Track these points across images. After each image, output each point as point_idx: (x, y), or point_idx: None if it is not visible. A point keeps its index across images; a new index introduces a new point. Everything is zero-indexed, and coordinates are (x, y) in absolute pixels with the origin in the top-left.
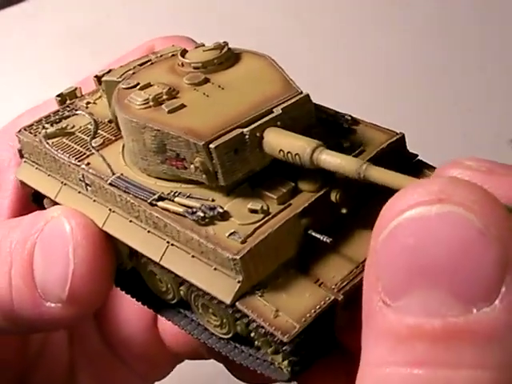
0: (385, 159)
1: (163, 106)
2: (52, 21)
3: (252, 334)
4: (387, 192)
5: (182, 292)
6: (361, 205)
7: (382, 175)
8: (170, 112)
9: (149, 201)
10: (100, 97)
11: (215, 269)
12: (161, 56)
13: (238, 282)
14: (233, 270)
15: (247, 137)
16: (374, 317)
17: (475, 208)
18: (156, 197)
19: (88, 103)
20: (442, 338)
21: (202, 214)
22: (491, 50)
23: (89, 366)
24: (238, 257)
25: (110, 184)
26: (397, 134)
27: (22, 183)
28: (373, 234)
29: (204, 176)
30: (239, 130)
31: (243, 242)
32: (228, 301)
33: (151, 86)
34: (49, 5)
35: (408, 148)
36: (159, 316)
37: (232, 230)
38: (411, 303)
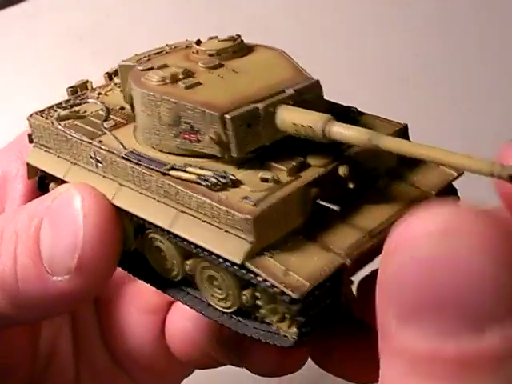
0: None
1: (180, 82)
2: (52, 21)
3: (258, 302)
4: (392, 174)
5: (187, 266)
6: (368, 183)
7: (393, 143)
8: (186, 88)
9: (161, 170)
10: (111, 89)
11: (226, 231)
12: (175, 47)
13: (250, 242)
14: (244, 231)
15: (261, 111)
16: (387, 337)
17: (481, 243)
18: (168, 167)
19: (99, 94)
20: (455, 363)
21: (214, 180)
22: (491, 49)
23: (94, 379)
24: (251, 216)
25: (123, 157)
26: (401, 124)
27: (29, 167)
28: (381, 259)
29: (217, 148)
30: (254, 105)
31: (255, 204)
32: (239, 260)
33: (168, 67)
34: (49, 5)
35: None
36: (166, 320)
37: (244, 195)
38: (424, 327)
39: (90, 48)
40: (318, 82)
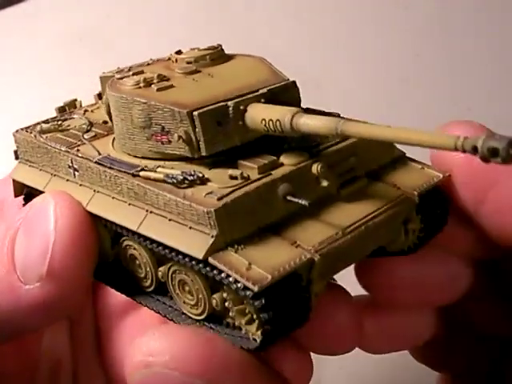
0: (371, 148)
1: (152, 85)
2: (52, 21)
3: (227, 304)
4: (373, 176)
5: (160, 273)
6: (346, 183)
7: (357, 128)
8: (158, 90)
9: (131, 171)
10: (98, 107)
11: (191, 228)
12: (157, 60)
13: (212, 236)
14: (207, 225)
15: (231, 109)
16: None
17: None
18: (139, 168)
19: (86, 111)
20: None
21: (181, 178)
22: (491, 49)
23: None
24: (212, 209)
25: (96, 162)
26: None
27: (15, 183)
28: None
29: (186, 147)
30: (224, 103)
31: (219, 199)
32: (200, 256)
33: (143, 73)
34: (49, 5)
35: (403, 149)
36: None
37: (210, 191)
38: None
39: (90, 48)
40: (293, 82)
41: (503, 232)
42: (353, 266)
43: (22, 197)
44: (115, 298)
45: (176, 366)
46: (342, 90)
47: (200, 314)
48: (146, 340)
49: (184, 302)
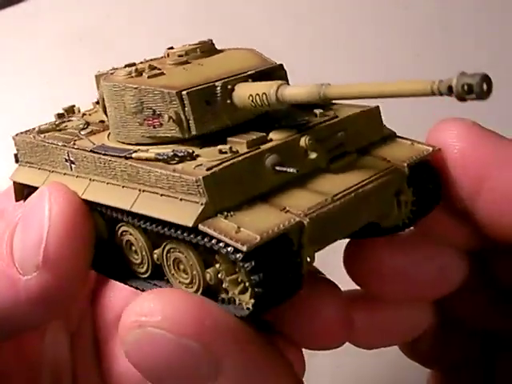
0: (359, 125)
1: (143, 73)
2: (52, 21)
3: (220, 276)
4: (363, 151)
5: (155, 255)
6: (335, 157)
7: (340, 90)
8: (149, 77)
9: (123, 154)
10: (96, 111)
11: (181, 199)
12: (152, 59)
13: (202, 204)
14: (197, 194)
15: (219, 88)
16: None
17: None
18: (132, 151)
19: (84, 114)
20: None
21: (171, 154)
22: (492, 48)
23: None
24: (200, 177)
25: (91, 151)
26: (371, 106)
27: (16, 187)
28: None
29: (177, 127)
30: (212, 83)
31: (208, 169)
32: (190, 223)
33: (135, 64)
34: (49, 5)
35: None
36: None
37: (199, 163)
38: None
39: (90, 48)
40: (280, 65)
41: (499, 224)
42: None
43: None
44: (113, 309)
45: (169, 327)
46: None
47: (195, 292)
48: (140, 301)
49: (179, 282)
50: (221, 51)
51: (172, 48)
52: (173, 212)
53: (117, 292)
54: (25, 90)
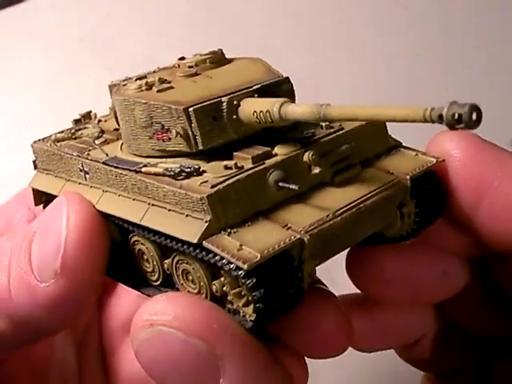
0: (364, 138)
1: (153, 87)
2: (52, 21)
3: (225, 289)
4: (367, 163)
5: (165, 265)
6: (339, 170)
7: (337, 110)
8: (158, 91)
9: (134, 168)
10: (111, 118)
11: (187, 215)
12: (164, 68)
13: (206, 221)
14: (202, 211)
15: (225, 104)
16: None
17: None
18: (141, 165)
19: (99, 121)
20: None
21: (178, 170)
22: (492, 48)
23: None
24: (205, 195)
25: (104, 163)
26: None
27: (35, 193)
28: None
29: (185, 142)
30: (218, 99)
31: (213, 186)
32: (195, 240)
33: (146, 77)
34: (49, 5)
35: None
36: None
37: (205, 180)
38: None
39: (90, 48)
40: (286, 78)
41: (498, 234)
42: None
43: (42, 206)
44: (119, 316)
45: (179, 326)
46: (341, 88)
47: None
48: (153, 302)
49: (188, 291)
50: (230, 60)
51: (183, 58)
52: (179, 228)
53: (122, 299)
54: (25, 90)
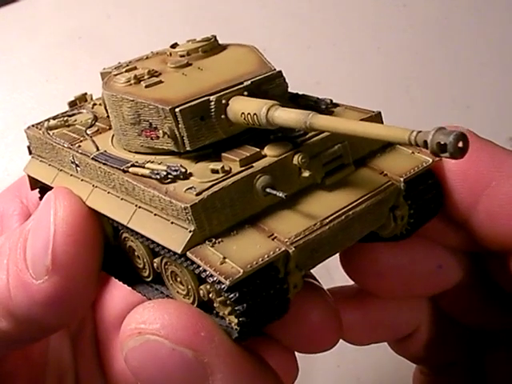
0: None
1: (142, 82)
2: (51, 19)
3: (211, 296)
4: (361, 162)
5: (155, 264)
6: (331, 172)
7: (323, 122)
8: (146, 87)
9: (122, 167)
10: None
11: (172, 222)
12: (157, 53)
13: (190, 231)
14: (186, 220)
15: (213, 103)
16: None
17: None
18: (129, 164)
19: (94, 105)
20: None
21: (164, 173)
22: (491, 47)
23: None
24: (188, 205)
25: (93, 158)
26: (373, 112)
27: (30, 178)
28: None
29: (172, 142)
30: (206, 98)
31: (198, 194)
32: (179, 250)
33: (136, 69)
34: (48, 3)
35: None
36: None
37: (190, 186)
38: None
39: (90, 47)
40: (279, 72)
41: (494, 233)
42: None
43: (37, 191)
44: (113, 310)
45: (166, 334)
46: (341, 87)
47: (191, 303)
48: (141, 310)
49: (177, 292)
50: (223, 48)
51: (176, 45)
52: (164, 235)
53: (116, 293)
54: (24, 88)
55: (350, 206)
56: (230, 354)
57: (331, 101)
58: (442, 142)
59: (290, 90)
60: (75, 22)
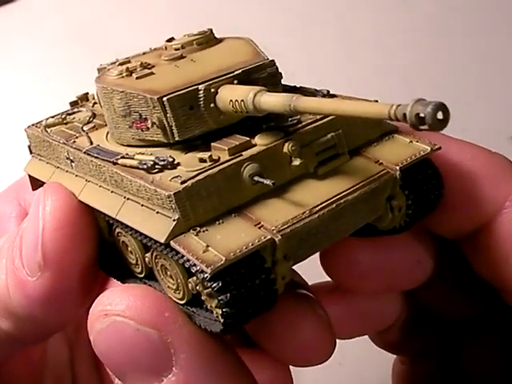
0: (355, 124)
1: (133, 74)
2: (52, 17)
3: (198, 288)
4: (357, 152)
5: (146, 259)
6: (324, 160)
7: (306, 103)
8: (137, 78)
9: (112, 160)
10: None
11: (158, 212)
12: (155, 49)
13: (174, 220)
14: (170, 209)
15: (201, 92)
16: None
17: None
18: (119, 156)
19: (95, 103)
20: None
21: (151, 163)
22: (491, 44)
23: None
24: (172, 192)
25: (85, 152)
26: (370, 101)
27: (30, 178)
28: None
29: (161, 132)
30: (194, 87)
31: (183, 182)
32: (162, 239)
33: (129, 62)
34: (48, 4)
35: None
36: None
37: (176, 174)
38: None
39: (90, 48)
40: (271, 61)
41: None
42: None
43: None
44: None
45: (131, 315)
46: (341, 86)
47: (182, 299)
48: (108, 293)
49: (168, 287)
50: (219, 41)
51: (172, 39)
52: (149, 225)
53: None
54: (25, 87)
55: (341, 195)
56: (194, 335)
57: (328, 91)
58: (422, 114)
59: (292, 85)
60: (76, 20)
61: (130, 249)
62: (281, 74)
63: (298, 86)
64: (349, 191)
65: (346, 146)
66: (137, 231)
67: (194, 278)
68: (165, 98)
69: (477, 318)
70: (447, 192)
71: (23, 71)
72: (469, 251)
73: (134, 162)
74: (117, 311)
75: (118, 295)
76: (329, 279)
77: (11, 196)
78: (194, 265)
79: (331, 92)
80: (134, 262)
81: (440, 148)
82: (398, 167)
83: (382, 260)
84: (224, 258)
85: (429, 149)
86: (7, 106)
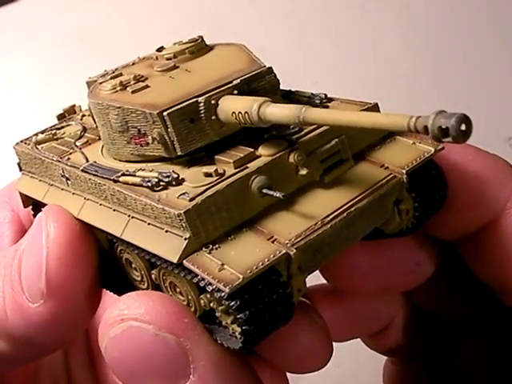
0: (355, 129)
1: (128, 88)
2: (52, 21)
3: (212, 305)
4: (360, 156)
5: (153, 276)
6: (329, 168)
7: (317, 115)
8: (133, 92)
9: (112, 177)
10: None
11: (167, 231)
12: (143, 58)
13: (185, 239)
14: (180, 227)
15: (202, 104)
16: None
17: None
18: (119, 174)
19: (83, 116)
20: None
21: (156, 180)
22: (490, 47)
23: None
24: (182, 211)
25: (82, 170)
26: (370, 103)
27: (21, 195)
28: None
29: (162, 148)
30: (194, 99)
31: (191, 199)
32: (175, 259)
33: (122, 75)
34: (49, 4)
35: None
36: None
37: (183, 191)
38: None
39: (90, 48)
40: (269, 69)
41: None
42: None
43: (30, 208)
44: None
45: (149, 319)
46: (341, 87)
47: (194, 314)
48: (123, 299)
49: None
50: (210, 48)
51: (162, 48)
52: (159, 244)
53: (108, 303)
54: (25, 90)
55: (351, 203)
56: (213, 343)
57: (326, 95)
58: (444, 126)
59: (287, 89)
60: (77, 24)
61: (134, 266)
62: (278, 80)
63: (293, 90)
64: (358, 198)
65: (350, 150)
66: (144, 250)
67: (208, 294)
68: (165, 113)
69: (471, 318)
70: (450, 193)
71: (25, 75)
72: (468, 252)
73: (137, 180)
74: (135, 315)
75: (135, 300)
76: (324, 281)
77: (3, 201)
78: (210, 284)
79: (328, 96)
80: (138, 278)
81: (443, 148)
82: (404, 171)
83: (381, 262)
84: (241, 276)
85: (432, 150)
86: (7, 109)
